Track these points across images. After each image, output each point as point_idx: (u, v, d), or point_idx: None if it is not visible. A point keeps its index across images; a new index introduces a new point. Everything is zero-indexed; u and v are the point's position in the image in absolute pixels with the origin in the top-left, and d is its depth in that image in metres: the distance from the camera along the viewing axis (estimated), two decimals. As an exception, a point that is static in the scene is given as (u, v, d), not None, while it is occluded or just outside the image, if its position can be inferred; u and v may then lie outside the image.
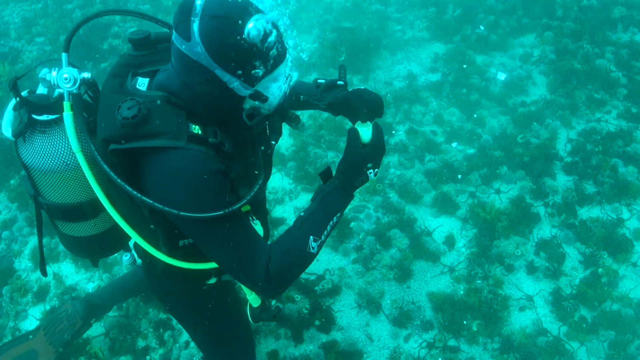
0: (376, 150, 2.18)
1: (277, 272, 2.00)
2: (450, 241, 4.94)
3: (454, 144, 5.71)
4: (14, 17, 8.30)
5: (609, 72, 6.14)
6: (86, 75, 2.07)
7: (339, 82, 2.56)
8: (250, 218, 2.41)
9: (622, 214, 4.95)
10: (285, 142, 5.93)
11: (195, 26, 1.81)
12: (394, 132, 5.94)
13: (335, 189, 2.16)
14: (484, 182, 5.34)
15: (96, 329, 4.45)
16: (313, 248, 2.07)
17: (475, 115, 5.96)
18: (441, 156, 5.61)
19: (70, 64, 2.07)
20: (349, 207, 5.18)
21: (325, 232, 2.11)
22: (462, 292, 4.54)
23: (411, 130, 5.92)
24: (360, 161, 2.14)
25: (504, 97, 6.11)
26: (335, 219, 2.14)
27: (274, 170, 5.70)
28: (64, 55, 2.08)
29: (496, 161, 5.43)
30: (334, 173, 2.23)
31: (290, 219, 5.25)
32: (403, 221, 5.08)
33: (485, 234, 4.89)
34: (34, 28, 7.87)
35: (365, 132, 2.18)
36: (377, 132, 2.19)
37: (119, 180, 1.89)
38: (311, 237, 2.06)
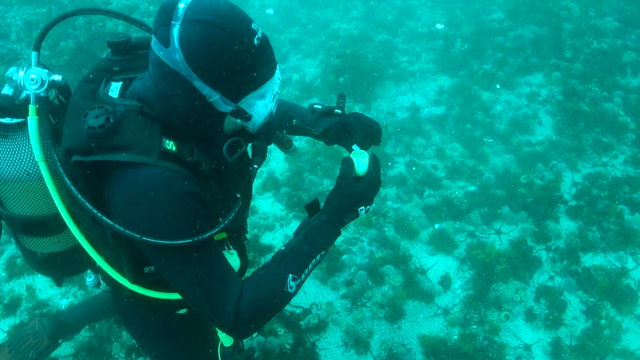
0: (371, 185, 2.00)
1: (248, 311, 1.79)
2: (446, 281, 4.69)
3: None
4: (16, 19, 8.21)
5: (617, 116, 5.99)
6: (56, 77, 1.90)
7: (336, 111, 2.37)
8: (226, 247, 2.18)
9: (627, 264, 4.72)
10: (280, 166, 5.73)
11: (175, 31, 1.62)
12: (390, 163, 5.75)
13: (322, 224, 1.96)
14: (484, 222, 5.12)
15: (65, 350, 4.16)
16: (291, 288, 1.87)
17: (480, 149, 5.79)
18: (441, 192, 5.41)
19: (41, 64, 1.91)
20: (340, 238, 4.97)
21: (306, 271, 1.91)
22: (455, 337, 4.28)
23: (411, 163, 5.72)
24: (352, 196, 1.97)
25: (508, 135, 5.95)
26: (318, 256, 1.94)
27: (267, 194, 5.52)
28: (33, 54, 1.92)
29: (498, 200, 5.22)
30: (322, 206, 2.04)
31: (279, 247, 5.00)
32: (398, 257, 4.84)
33: (483, 276, 4.65)
34: (35, 32, 7.76)
35: (360, 163, 2.01)
36: (374, 165, 2.02)
37: (79, 196, 1.69)
38: (290, 275, 1.87)
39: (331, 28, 7.99)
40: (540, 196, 5.21)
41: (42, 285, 4.77)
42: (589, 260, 4.78)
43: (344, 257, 4.85)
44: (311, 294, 4.60)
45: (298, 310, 4.47)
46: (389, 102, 6.59)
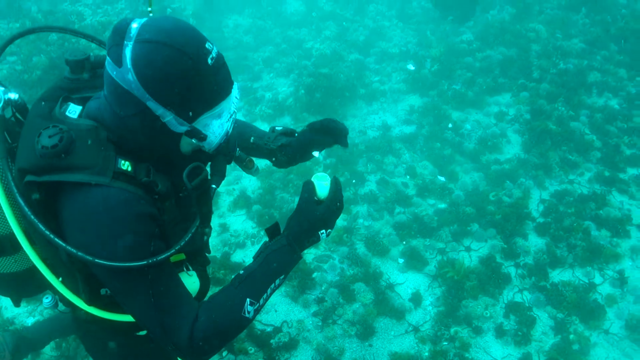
0: (331, 210, 1.98)
1: (203, 336, 1.76)
2: (416, 298, 4.69)
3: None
4: (-13, 33, 8.14)
5: (583, 134, 6.12)
6: (13, 95, 1.89)
7: (296, 134, 2.36)
8: (184, 268, 2.15)
9: (594, 279, 4.78)
10: (252, 184, 5.72)
11: (128, 51, 1.60)
12: (354, 181, 5.77)
13: (281, 248, 1.93)
14: (454, 239, 5.15)
15: (31, 370, 4.06)
16: (249, 312, 1.84)
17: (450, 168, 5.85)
18: (412, 209, 5.43)
19: None
20: (311, 256, 4.96)
21: (265, 296, 1.89)
22: (426, 354, 4.26)
23: (382, 180, 5.75)
24: (312, 220, 1.95)
25: (477, 154, 6.02)
26: (278, 281, 1.92)
27: (238, 212, 5.49)
28: None
29: (467, 218, 5.27)
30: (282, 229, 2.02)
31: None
32: (368, 274, 4.84)
33: (453, 292, 4.66)
34: (8, 47, 7.68)
35: (322, 186, 1.98)
36: (335, 189, 2.00)
37: (32, 217, 1.65)
38: (248, 299, 1.83)
39: (304, 47, 8.06)
40: (509, 213, 5.27)
41: (7, 303, 4.64)
42: (557, 276, 4.84)
43: (315, 274, 4.83)
44: (282, 311, 4.56)
45: (269, 329, 4.43)
46: (360, 120, 6.65)
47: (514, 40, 7.62)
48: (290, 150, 2.33)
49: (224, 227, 5.34)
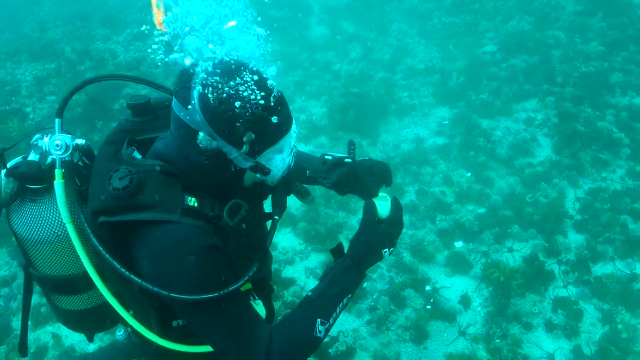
0: (393, 228, 2.05)
1: (278, 357, 1.82)
2: (465, 300, 4.89)
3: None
4: (26, 75, 8.57)
5: (611, 133, 6.30)
6: (80, 141, 1.96)
7: (346, 160, 2.38)
8: (251, 297, 2.20)
9: (636, 269, 4.95)
10: (295, 201, 5.97)
11: (196, 93, 1.68)
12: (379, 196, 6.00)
13: (347, 268, 2.00)
14: (496, 241, 5.36)
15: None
16: (320, 332, 1.88)
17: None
18: (452, 216, 5.66)
19: (64, 130, 1.95)
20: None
21: (334, 315, 1.94)
22: (482, 353, 4.46)
23: (421, 191, 5.99)
24: (375, 240, 2.02)
25: (510, 159, 6.23)
26: (345, 300, 1.98)
27: (284, 230, 5.76)
28: (57, 121, 1.96)
29: (507, 220, 5.47)
30: (346, 249, 2.08)
31: (301, 280, 5.22)
32: (417, 281, 5.05)
33: (501, 292, 4.85)
34: (46, 87, 8.11)
35: (382, 206, 2.06)
36: (396, 208, 2.07)
37: (107, 256, 1.75)
38: (319, 320, 1.88)
39: (332, 69, 8.38)
40: (547, 213, 5.46)
41: (68, 331, 4.89)
42: (600, 269, 5.00)
43: (365, 284, 5.06)
44: (337, 322, 4.76)
45: (326, 339, 4.64)
46: (394, 135, 6.92)
47: (535, 48, 7.85)
48: (342, 189, 2.43)
49: (272, 246, 5.60)
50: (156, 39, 1.76)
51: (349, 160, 2.38)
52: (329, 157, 2.42)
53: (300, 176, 2.47)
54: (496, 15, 8.78)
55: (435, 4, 9.60)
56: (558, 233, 5.33)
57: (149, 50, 1.78)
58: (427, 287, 5.00)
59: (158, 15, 1.92)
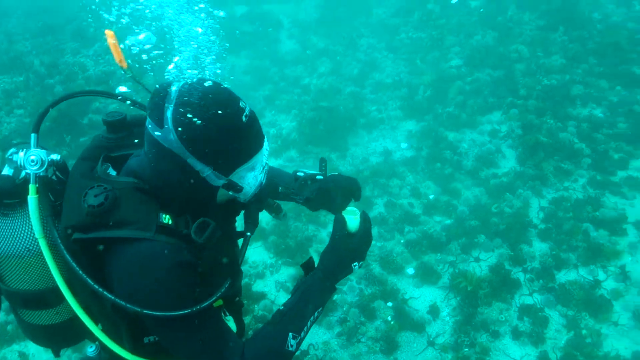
0: (363, 242, 2.08)
1: None
2: (434, 310, 4.96)
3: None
4: (-6, 89, 8.45)
5: (572, 144, 6.48)
6: (54, 157, 1.96)
7: (318, 177, 2.43)
8: (222, 314, 2.21)
9: (599, 276, 5.08)
10: (265, 215, 6.00)
11: (169, 113, 1.71)
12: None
13: (317, 282, 2.03)
14: (463, 251, 5.45)
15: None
16: (292, 346, 1.91)
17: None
18: (420, 227, 5.74)
19: (39, 145, 1.96)
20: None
21: (305, 329, 1.98)
22: (449, 361, 4.53)
23: (389, 203, 6.07)
24: (345, 254, 2.05)
25: (476, 171, 6.36)
26: (316, 313, 2.01)
27: (255, 244, 5.77)
28: (32, 136, 1.97)
29: (473, 230, 5.58)
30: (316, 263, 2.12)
31: (271, 294, 5.24)
32: (386, 292, 5.11)
33: (468, 301, 4.93)
34: (14, 100, 8.00)
35: (352, 220, 2.08)
36: (365, 222, 2.10)
37: (80, 272, 1.75)
38: (290, 333, 1.92)
39: (302, 84, 8.46)
40: (512, 223, 5.59)
41: (35, 350, 4.83)
42: (564, 276, 5.13)
43: (336, 297, 5.09)
44: (307, 335, 4.78)
45: (297, 352, 4.65)
46: (362, 148, 7.00)
47: (500, 62, 8.05)
48: (314, 205, 2.47)
49: (243, 260, 5.60)
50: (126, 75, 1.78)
51: (321, 177, 2.43)
52: (301, 174, 2.47)
53: (273, 192, 2.49)
54: (461, 30, 8.98)
55: (402, 19, 9.79)
56: (523, 242, 5.46)
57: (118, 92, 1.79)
58: (389, 304, 5.05)
59: (117, 55, 2.05)
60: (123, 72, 2.26)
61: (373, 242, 5.51)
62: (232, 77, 8.83)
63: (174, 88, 1.74)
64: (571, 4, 9.18)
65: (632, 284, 4.98)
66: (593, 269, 5.16)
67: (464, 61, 8.23)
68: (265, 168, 1.96)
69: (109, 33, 2.09)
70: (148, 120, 1.78)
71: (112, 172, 1.95)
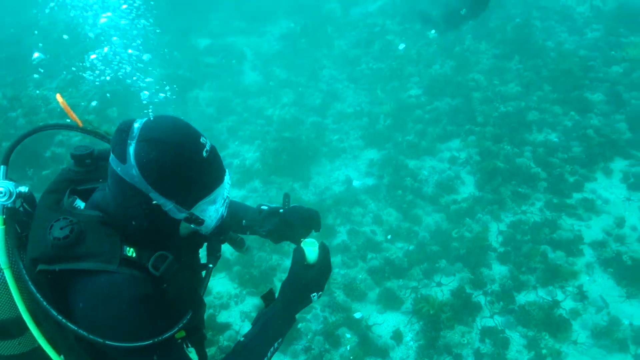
0: (322, 273, 2.13)
1: None
2: (397, 336, 5.00)
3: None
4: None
5: (529, 168, 6.67)
6: (23, 189, 1.99)
7: (281, 210, 2.50)
8: (184, 345, 2.22)
9: (557, 296, 5.20)
10: (229, 247, 5.99)
11: (132, 149, 1.76)
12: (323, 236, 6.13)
13: (277, 313, 2.08)
14: (425, 276, 5.52)
15: None
16: None
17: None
18: (383, 254, 5.80)
19: (8, 177, 2.00)
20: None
21: (266, 359, 2.03)
22: (413, 385, 4.55)
23: (352, 231, 6.13)
24: (304, 285, 2.10)
25: (436, 197, 6.48)
26: (276, 344, 2.06)
27: (219, 275, 5.74)
28: (1, 168, 2.01)
29: (435, 256, 5.66)
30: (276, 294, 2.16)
31: (236, 324, 5.21)
32: (350, 319, 5.13)
33: (431, 326, 4.98)
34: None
35: (311, 252, 2.13)
36: (324, 253, 2.15)
37: (44, 303, 1.77)
38: None
39: (265, 114, 8.54)
40: (472, 247, 5.70)
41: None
42: (523, 298, 5.23)
43: (300, 324, 5.09)
44: (272, 364, 4.77)
45: (261, 382, 4.62)
46: (325, 177, 7.08)
47: (457, 91, 8.28)
48: (276, 237, 2.55)
49: (207, 291, 5.58)
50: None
51: (283, 211, 2.50)
52: (265, 207, 2.54)
53: (237, 225, 2.56)
54: (420, 60, 9.23)
55: (363, 50, 10.02)
56: (483, 265, 5.56)
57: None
58: (347, 335, 5.07)
59: (71, 115, 2.16)
60: (81, 127, 2.32)
61: (336, 270, 5.58)
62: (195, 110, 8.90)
63: (136, 125, 1.79)
64: (525, 33, 9.53)
65: (590, 302, 5.12)
66: (552, 289, 5.27)
67: (423, 90, 8.44)
68: (227, 201, 2.00)
69: (59, 98, 2.15)
70: (112, 156, 1.82)
71: (79, 205, 1.98)
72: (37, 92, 9.33)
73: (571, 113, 7.71)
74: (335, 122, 8.17)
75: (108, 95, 8.79)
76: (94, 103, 8.61)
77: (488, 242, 5.84)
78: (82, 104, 8.56)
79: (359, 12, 11.73)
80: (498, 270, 5.54)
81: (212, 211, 1.93)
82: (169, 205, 1.81)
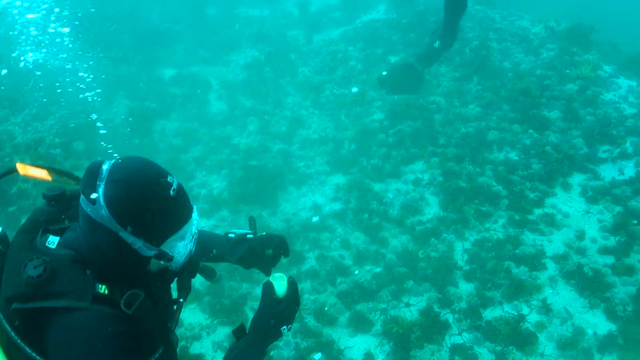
0: (291, 307, 2.19)
1: None
2: (369, 358, 5.06)
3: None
4: None
5: (490, 187, 6.85)
6: None
7: (248, 236, 2.59)
8: None
9: (522, 310, 5.34)
10: (199, 277, 6.00)
11: (101, 190, 1.82)
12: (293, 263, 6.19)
13: (248, 346, 2.14)
14: (394, 298, 5.61)
15: None
16: None
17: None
18: (351, 278, 5.88)
19: None
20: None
21: None
22: (385, 407, 4.60)
23: (321, 256, 6.21)
24: (274, 318, 2.16)
25: (402, 219, 6.61)
26: None
27: (190, 306, 5.74)
28: None
29: (402, 277, 5.77)
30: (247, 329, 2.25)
31: (209, 355, 5.21)
32: (322, 344, 5.18)
33: (401, 346, 5.06)
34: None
35: (279, 286, 2.19)
36: (292, 287, 2.21)
37: (18, 340, 1.81)
38: None
39: (231, 143, 8.61)
40: (438, 266, 5.82)
41: None
42: (490, 314, 5.36)
43: (272, 352, 5.12)
44: (246, 394, 4.77)
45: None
46: (292, 204, 7.15)
47: (419, 114, 8.47)
48: (246, 264, 2.62)
49: (179, 323, 5.56)
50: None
51: (251, 235, 2.59)
52: (232, 235, 2.62)
53: (207, 256, 2.63)
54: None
55: (327, 77, 10.20)
56: (450, 284, 5.68)
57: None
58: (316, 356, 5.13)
59: (40, 176, 2.20)
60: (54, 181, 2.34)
61: (306, 295, 5.62)
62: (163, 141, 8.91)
63: (105, 166, 1.86)
64: (483, 55, 9.83)
65: (554, 315, 5.27)
66: (517, 304, 5.41)
67: (386, 114, 8.62)
68: (195, 237, 2.06)
69: (19, 168, 2.21)
70: (82, 197, 1.88)
71: (52, 244, 2.00)
72: (2, 127, 9.24)
73: (530, 131, 7.97)
74: (301, 148, 8.28)
75: (72, 125, 8.76)
76: (57, 139, 8.56)
77: (454, 260, 5.97)
78: (48, 138, 8.50)
79: (322, 39, 11.98)
80: (464, 288, 5.66)
81: (181, 247, 1.99)
82: (138, 244, 1.86)
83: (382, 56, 10.45)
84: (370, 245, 6.32)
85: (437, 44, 8.57)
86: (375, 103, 9.01)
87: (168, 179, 1.91)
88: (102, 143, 8.48)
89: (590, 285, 5.54)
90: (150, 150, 8.56)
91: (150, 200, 1.84)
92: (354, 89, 7.95)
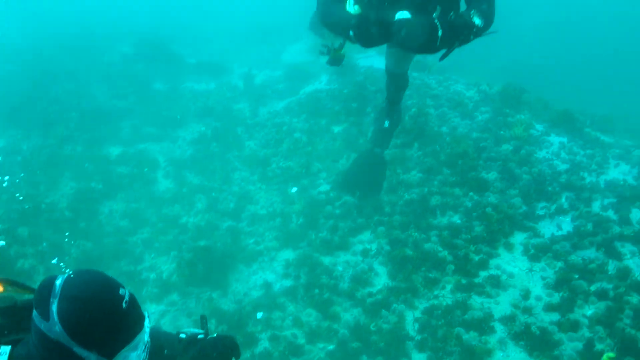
0: None
1: None
2: None
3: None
4: None
5: (436, 252, 7.02)
6: None
7: (199, 336, 2.68)
8: None
9: (475, 378, 5.41)
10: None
11: (54, 307, 1.86)
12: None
13: None
14: (348, 376, 5.61)
15: None
16: None
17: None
18: (305, 357, 5.86)
19: None
20: None
21: None
22: None
23: (273, 336, 6.18)
24: None
25: (352, 292, 6.67)
26: None
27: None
28: None
29: (355, 352, 5.79)
30: None
31: None
32: None
33: None
34: None
35: None
36: None
37: None
38: None
39: (180, 223, 8.57)
40: (390, 339, 5.87)
41: None
42: (443, 385, 5.41)
43: None
44: None
45: None
46: (243, 283, 7.14)
47: (365, 182, 8.67)
48: None
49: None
50: None
51: (202, 335, 2.68)
52: (184, 335, 2.71)
53: (159, 355, 2.63)
54: (327, 155, 9.65)
55: (273, 150, 10.36)
56: (403, 356, 5.73)
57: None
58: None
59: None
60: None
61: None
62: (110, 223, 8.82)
63: (58, 282, 1.91)
64: (422, 121, 10.19)
65: (506, 379, 5.36)
66: (469, 371, 5.49)
67: (332, 185, 8.79)
68: (147, 345, 2.10)
69: None
70: (35, 312, 1.92)
71: (3, 355, 2.00)
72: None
73: (470, 193, 8.23)
74: (250, 224, 8.32)
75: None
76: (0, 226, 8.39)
77: (405, 331, 6.03)
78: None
79: (267, 112, 12.21)
80: (417, 359, 5.71)
81: (134, 357, 2.02)
82: (92, 358, 1.89)
83: (326, 126, 10.71)
84: (322, 322, 6.33)
85: (386, 123, 8.85)
86: (321, 174, 9.19)
87: (120, 292, 1.96)
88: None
89: (539, 345, 5.68)
90: (97, 234, 8.44)
91: (102, 315, 1.88)
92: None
